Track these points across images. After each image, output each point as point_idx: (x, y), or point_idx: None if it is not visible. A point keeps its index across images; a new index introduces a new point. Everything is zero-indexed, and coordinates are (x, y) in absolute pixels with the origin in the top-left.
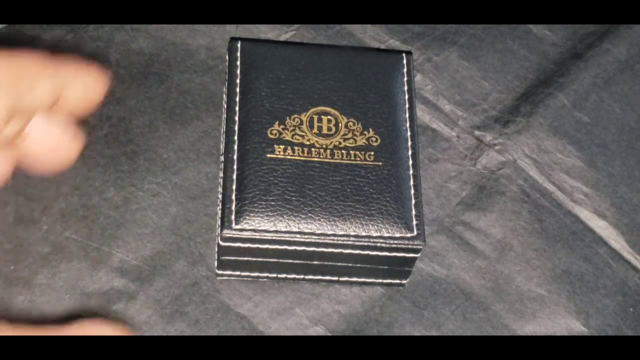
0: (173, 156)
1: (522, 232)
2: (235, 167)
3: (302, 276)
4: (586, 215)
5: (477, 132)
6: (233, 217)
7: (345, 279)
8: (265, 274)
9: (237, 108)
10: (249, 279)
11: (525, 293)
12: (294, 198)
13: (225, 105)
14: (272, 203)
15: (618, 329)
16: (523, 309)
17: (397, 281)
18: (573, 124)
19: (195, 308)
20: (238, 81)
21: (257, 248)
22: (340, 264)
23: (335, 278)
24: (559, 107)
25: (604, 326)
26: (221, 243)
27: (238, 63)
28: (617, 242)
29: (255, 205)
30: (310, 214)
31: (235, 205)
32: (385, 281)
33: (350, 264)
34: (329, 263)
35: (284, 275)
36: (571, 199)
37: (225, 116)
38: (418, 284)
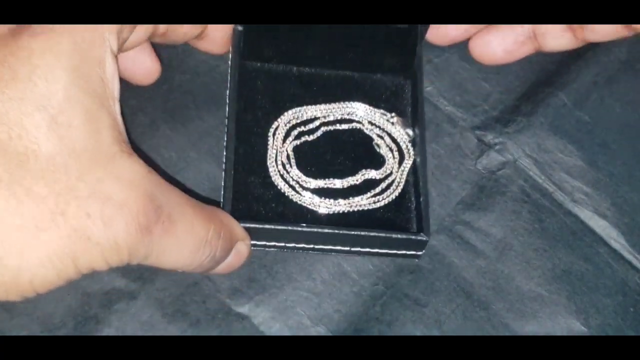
0: (174, 156)
1: (522, 231)
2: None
3: (311, 245)
4: (586, 215)
5: (477, 132)
6: None
7: (358, 249)
8: (273, 243)
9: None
10: (254, 247)
11: (526, 293)
12: None
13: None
14: None
15: (618, 329)
16: (523, 309)
17: (412, 252)
18: (574, 124)
19: (197, 308)
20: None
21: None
22: (353, 232)
23: (347, 248)
24: (559, 106)
25: (604, 326)
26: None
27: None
28: (617, 242)
29: None
30: None
31: None
32: (399, 252)
33: (363, 232)
34: (341, 232)
35: (292, 245)
36: (571, 199)
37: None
38: (419, 282)
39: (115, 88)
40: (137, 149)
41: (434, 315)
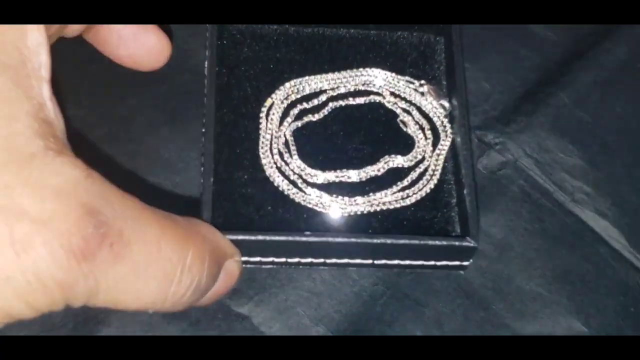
0: (174, 156)
1: (523, 232)
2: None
3: (321, 260)
4: (587, 215)
5: (478, 132)
6: None
7: (383, 262)
8: (271, 259)
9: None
10: (246, 265)
11: (526, 293)
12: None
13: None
14: None
15: (618, 329)
16: (523, 309)
17: (456, 263)
18: (574, 123)
19: (197, 308)
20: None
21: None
22: (376, 240)
23: (369, 261)
24: (560, 106)
25: (605, 326)
26: None
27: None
28: (618, 242)
29: None
30: None
31: None
32: (438, 264)
33: (389, 240)
34: (360, 240)
35: (296, 260)
36: (572, 199)
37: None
38: (419, 283)
39: (42, 64)
40: (137, 149)
41: (434, 315)
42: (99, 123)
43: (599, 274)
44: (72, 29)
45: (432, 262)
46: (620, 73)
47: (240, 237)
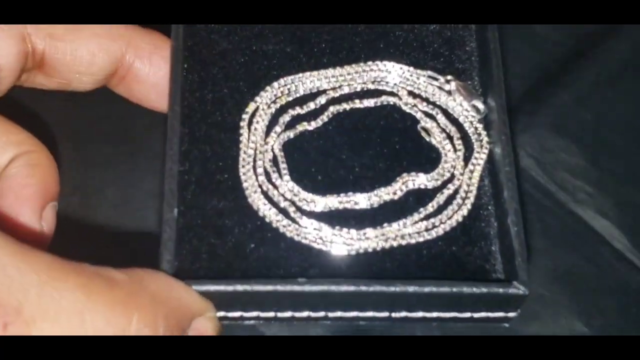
0: None
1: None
2: None
3: (322, 314)
4: (589, 215)
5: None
6: None
7: (403, 314)
8: (255, 313)
9: None
10: (224, 322)
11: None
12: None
13: None
14: None
15: (620, 330)
16: (525, 309)
17: (500, 314)
18: (576, 123)
19: None
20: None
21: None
22: (393, 288)
23: (385, 315)
24: (561, 105)
25: (606, 327)
26: None
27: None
28: (620, 242)
29: None
30: None
31: None
32: (476, 316)
33: (411, 287)
34: (372, 289)
35: (288, 314)
36: (574, 199)
37: None
38: None
39: None
40: (137, 149)
41: None
42: (98, 123)
43: (601, 274)
44: (81, 82)
45: (468, 314)
46: (621, 72)
47: (213, 288)
